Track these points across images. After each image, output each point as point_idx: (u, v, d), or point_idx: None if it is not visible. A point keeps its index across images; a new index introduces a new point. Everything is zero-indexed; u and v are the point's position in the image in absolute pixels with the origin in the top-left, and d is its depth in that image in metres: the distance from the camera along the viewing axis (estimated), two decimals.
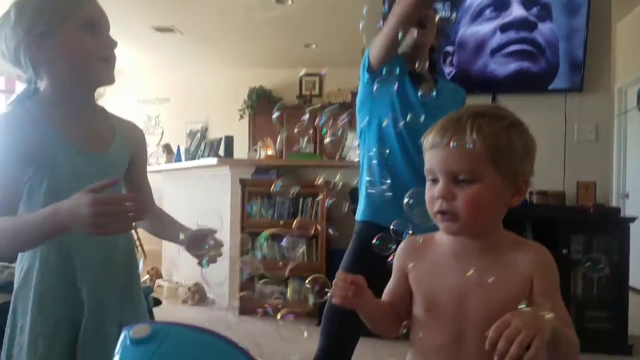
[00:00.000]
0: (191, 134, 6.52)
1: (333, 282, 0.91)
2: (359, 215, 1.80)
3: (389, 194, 1.59)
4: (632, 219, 3.15)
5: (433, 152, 0.91)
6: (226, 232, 3.64)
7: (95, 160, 1.14)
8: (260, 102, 6.84)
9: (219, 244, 1.14)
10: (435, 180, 0.90)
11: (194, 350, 0.68)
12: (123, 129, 1.25)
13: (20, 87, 1.17)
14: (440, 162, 0.89)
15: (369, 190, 1.76)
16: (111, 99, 6.74)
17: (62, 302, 1.10)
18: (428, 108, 1.56)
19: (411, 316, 0.98)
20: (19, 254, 1.13)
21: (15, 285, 1.12)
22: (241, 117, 6.96)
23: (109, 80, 1.15)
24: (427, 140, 0.93)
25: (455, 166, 0.87)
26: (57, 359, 1.08)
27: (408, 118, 1.58)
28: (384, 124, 1.72)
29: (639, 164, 5.04)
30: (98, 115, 1.22)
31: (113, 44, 1.14)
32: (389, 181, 1.67)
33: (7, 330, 1.12)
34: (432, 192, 0.91)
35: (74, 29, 1.08)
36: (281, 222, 3.50)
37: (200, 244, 1.14)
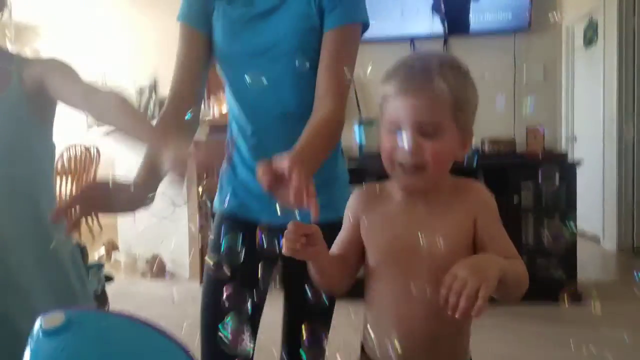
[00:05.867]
0: (140, 92, 6.20)
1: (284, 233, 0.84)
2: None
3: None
4: (578, 163, 3.23)
5: (399, 101, 0.86)
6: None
7: None
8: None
9: None
10: (394, 131, 0.87)
11: (112, 338, 0.64)
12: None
13: None
14: (409, 112, 0.85)
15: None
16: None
17: None
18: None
19: (363, 269, 0.98)
20: None
21: None
22: None
23: None
24: (390, 87, 0.88)
25: (424, 117, 0.84)
26: None
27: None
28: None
29: (587, 106, 5.10)
30: None
31: None
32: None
33: None
34: (393, 142, 0.87)
35: None
36: None
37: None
